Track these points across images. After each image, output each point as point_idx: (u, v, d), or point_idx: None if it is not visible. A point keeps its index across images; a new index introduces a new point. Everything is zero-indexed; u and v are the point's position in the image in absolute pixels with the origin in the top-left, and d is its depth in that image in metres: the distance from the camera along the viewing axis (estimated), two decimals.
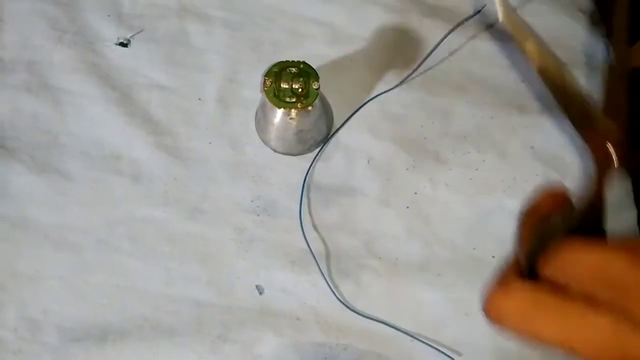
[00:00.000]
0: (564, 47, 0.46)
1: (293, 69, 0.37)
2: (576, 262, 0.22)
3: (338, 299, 0.37)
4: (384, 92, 0.42)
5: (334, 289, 0.37)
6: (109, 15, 0.44)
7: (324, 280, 0.37)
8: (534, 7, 0.46)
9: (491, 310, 0.22)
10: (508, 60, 0.44)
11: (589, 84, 0.44)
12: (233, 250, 0.38)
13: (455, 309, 0.37)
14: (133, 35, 0.43)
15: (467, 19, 0.42)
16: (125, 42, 0.43)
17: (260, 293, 0.37)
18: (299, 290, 0.37)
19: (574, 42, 0.46)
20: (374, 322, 0.37)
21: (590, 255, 0.22)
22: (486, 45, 0.44)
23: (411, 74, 0.43)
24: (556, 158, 0.41)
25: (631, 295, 0.21)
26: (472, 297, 0.38)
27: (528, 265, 0.23)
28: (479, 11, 0.42)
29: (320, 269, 0.37)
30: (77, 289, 0.37)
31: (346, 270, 0.38)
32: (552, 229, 0.23)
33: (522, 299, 0.22)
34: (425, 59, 0.43)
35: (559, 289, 0.22)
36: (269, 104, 0.37)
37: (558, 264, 0.22)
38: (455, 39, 0.43)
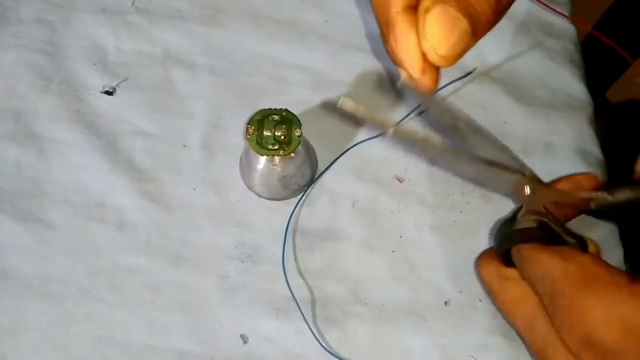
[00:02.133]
0: (545, 88, 0.47)
1: (275, 116, 0.37)
2: (526, 258, 0.31)
3: (323, 347, 0.36)
4: (369, 138, 0.43)
5: (319, 336, 0.37)
6: (94, 64, 0.44)
7: (308, 328, 0.37)
8: (518, 51, 0.47)
9: (478, 270, 0.36)
10: (488, 103, 0.45)
11: (568, 123, 0.45)
12: (216, 299, 0.38)
13: (442, 355, 0.37)
14: (118, 84, 0.44)
15: (460, 78, 0.43)
16: (110, 90, 0.43)
17: (245, 342, 0.37)
18: (284, 338, 0.37)
19: (555, 83, 0.47)
20: None
21: (535, 255, 0.31)
22: (467, 88, 0.45)
23: (399, 122, 0.43)
24: None
25: (547, 289, 0.30)
26: (459, 342, 0.37)
27: (503, 255, 0.34)
28: (469, 73, 0.43)
29: (304, 317, 0.37)
30: (57, 341, 0.36)
31: (331, 317, 0.38)
32: (514, 239, 0.33)
33: (492, 272, 0.34)
34: (414, 109, 0.43)
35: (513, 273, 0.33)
36: (252, 151, 0.37)
37: (516, 259, 0.33)
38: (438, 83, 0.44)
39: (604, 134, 0.47)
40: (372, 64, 0.46)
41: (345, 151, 0.42)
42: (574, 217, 0.35)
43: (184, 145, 0.42)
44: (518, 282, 0.33)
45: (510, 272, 0.33)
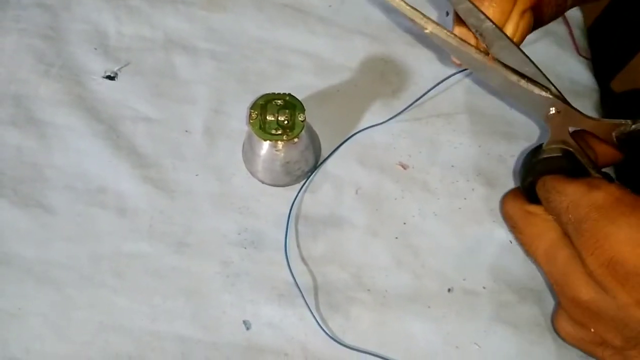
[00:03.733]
0: (551, 74, 0.46)
1: (279, 101, 0.37)
2: (551, 188, 0.32)
3: (326, 333, 0.36)
4: (374, 125, 0.42)
5: (322, 323, 0.37)
6: (95, 49, 0.44)
7: (311, 315, 0.37)
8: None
9: (503, 206, 0.36)
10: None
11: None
12: (219, 285, 0.37)
13: (445, 341, 0.37)
14: (120, 68, 0.43)
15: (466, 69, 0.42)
16: (112, 75, 0.43)
17: (247, 328, 0.36)
18: (287, 325, 0.37)
19: (561, 69, 0.46)
20: (364, 355, 0.36)
21: (561, 184, 0.31)
22: (473, 75, 0.45)
23: (405, 109, 0.43)
24: None
25: (572, 216, 0.30)
26: (463, 329, 0.37)
27: (527, 190, 0.34)
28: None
29: (307, 303, 0.37)
30: (59, 326, 0.36)
31: (334, 303, 0.37)
32: (539, 169, 0.33)
33: (516, 207, 0.35)
34: (420, 97, 0.43)
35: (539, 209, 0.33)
36: (255, 136, 0.37)
37: (541, 191, 0.33)
38: (443, 69, 0.43)
39: None
40: (375, 49, 0.45)
41: (349, 137, 0.42)
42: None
43: (186, 131, 0.42)
44: (541, 217, 0.33)
45: (534, 208, 0.34)
